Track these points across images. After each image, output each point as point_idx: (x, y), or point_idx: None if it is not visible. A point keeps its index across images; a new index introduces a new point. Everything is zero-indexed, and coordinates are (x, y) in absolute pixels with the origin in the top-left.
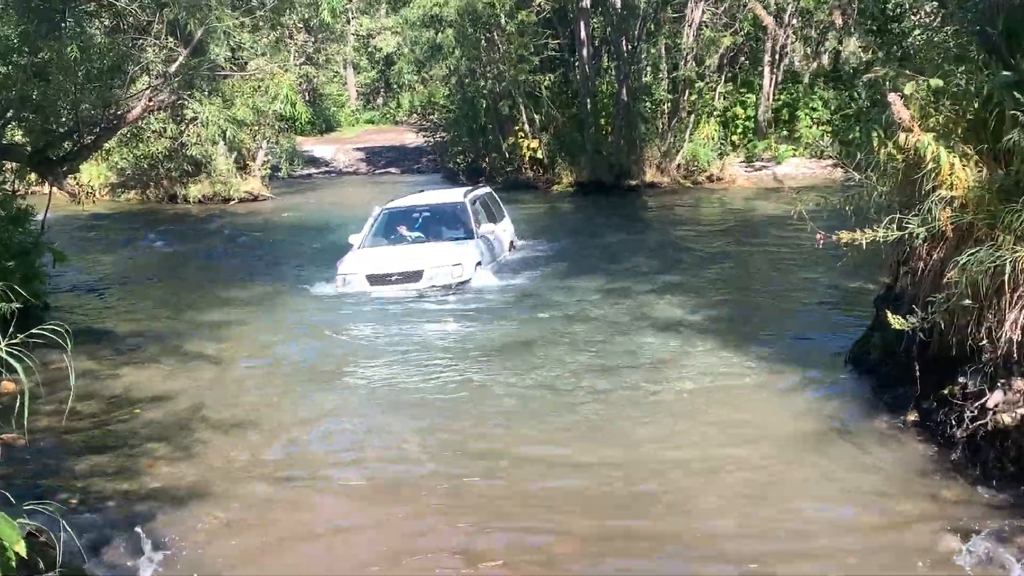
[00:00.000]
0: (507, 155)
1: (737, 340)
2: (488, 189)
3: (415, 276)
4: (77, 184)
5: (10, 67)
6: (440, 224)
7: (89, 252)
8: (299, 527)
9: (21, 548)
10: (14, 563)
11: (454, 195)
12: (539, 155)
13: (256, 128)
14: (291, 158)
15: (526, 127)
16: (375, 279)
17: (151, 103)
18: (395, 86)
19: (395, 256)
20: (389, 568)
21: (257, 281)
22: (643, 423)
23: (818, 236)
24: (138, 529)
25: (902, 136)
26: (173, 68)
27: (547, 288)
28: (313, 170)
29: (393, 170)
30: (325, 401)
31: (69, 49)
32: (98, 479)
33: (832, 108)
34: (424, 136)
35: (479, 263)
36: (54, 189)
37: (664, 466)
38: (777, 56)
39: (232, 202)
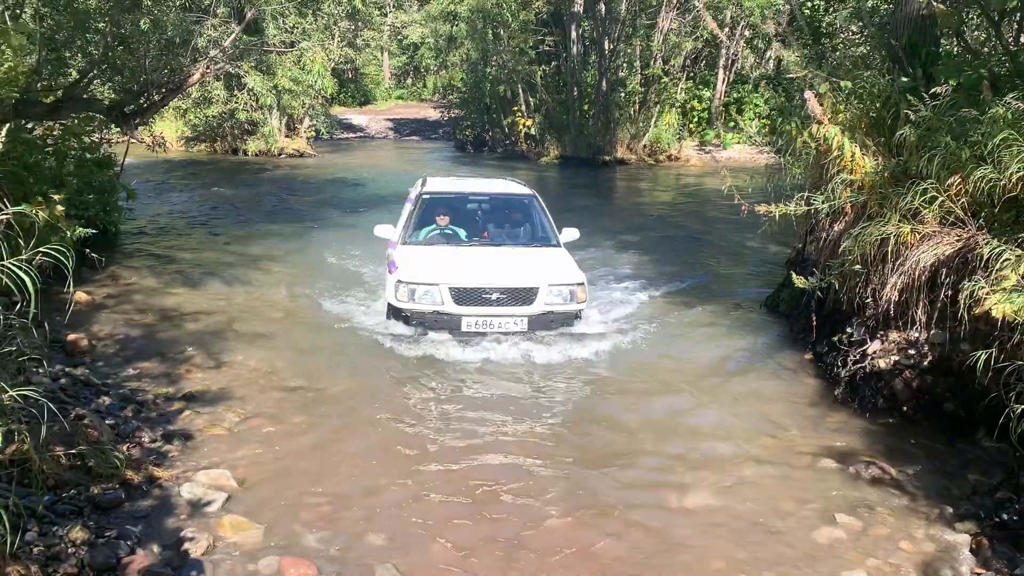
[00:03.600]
0: (506, 130)
1: (675, 288)
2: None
3: (524, 296)
4: (150, 135)
5: (93, 33)
6: (511, 224)
7: (163, 192)
8: (299, 427)
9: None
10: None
11: (506, 182)
12: (532, 131)
13: (300, 96)
14: (325, 123)
15: (523, 108)
16: (465, 296)
17: (208, 71)
18: (421, 70)
19: (481, 263)
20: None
21: (301, 223)
22: (581, 370)
23: (744, 207)
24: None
25: (814, 127)
26: (227, 43)
27: None
28: (350, 134)
29: (415, 138)
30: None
31: (143, 22)
32: (140, 382)
33: (771, 105)
34: (441, 112)
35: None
36: (132, 139)
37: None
38: (729, 61)
39: (281, 156)
